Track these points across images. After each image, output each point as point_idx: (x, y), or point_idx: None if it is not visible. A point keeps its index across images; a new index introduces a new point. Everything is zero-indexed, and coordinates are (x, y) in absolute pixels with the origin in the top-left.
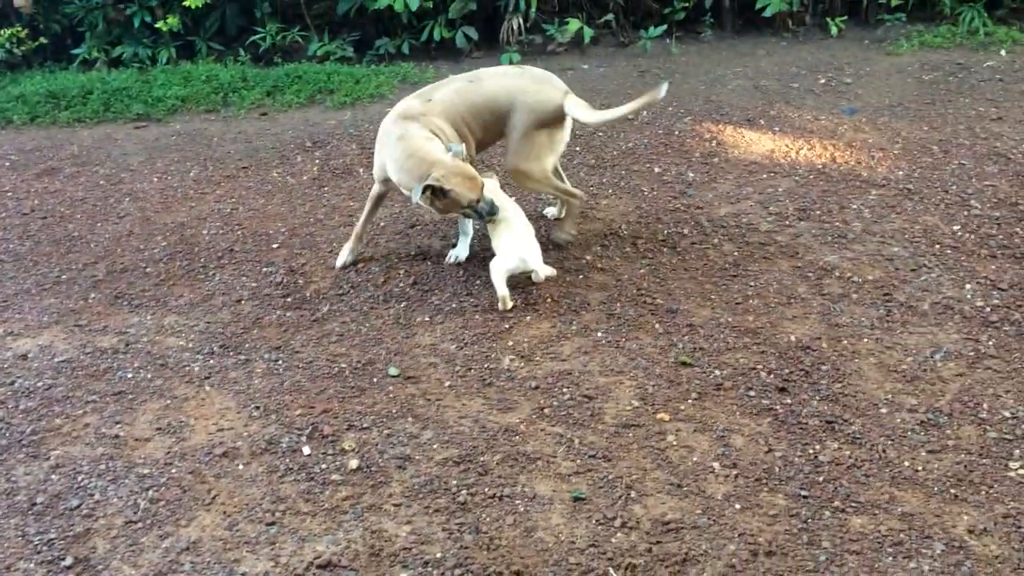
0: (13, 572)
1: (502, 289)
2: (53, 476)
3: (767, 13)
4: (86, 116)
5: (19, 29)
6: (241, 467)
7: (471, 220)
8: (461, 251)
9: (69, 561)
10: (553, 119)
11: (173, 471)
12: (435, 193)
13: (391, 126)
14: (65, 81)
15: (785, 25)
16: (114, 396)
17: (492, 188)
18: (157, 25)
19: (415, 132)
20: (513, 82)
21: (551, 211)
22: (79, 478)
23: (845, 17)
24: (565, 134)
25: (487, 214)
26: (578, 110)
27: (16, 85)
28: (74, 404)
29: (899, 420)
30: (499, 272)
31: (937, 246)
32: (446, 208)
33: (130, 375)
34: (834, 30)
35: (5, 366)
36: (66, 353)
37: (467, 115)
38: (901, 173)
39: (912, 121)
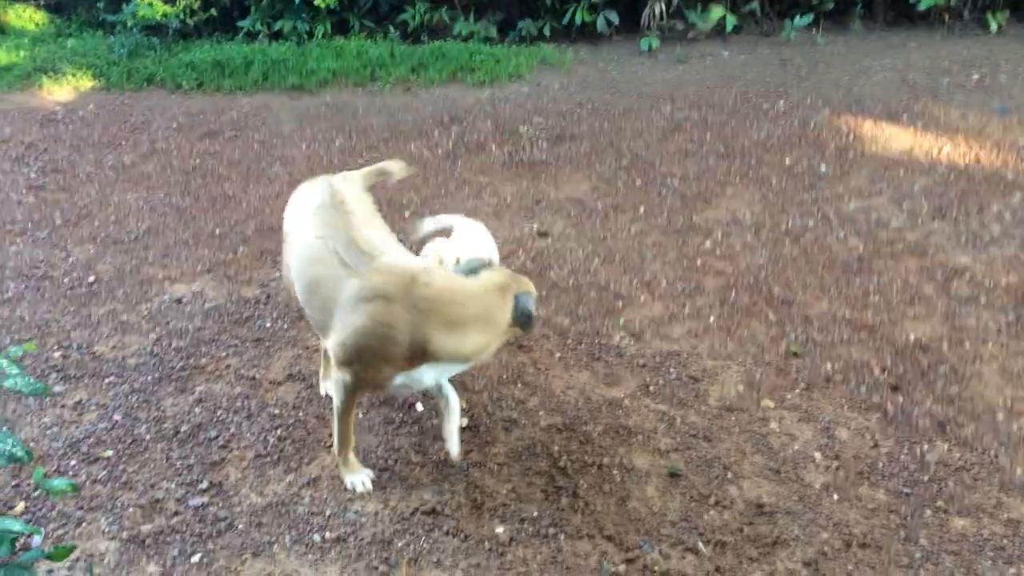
0: (156, 490)
1: None
2: (196, 409)
3: (922, 6)
4: (246, 85)
5: (193, 1)
6: (361, 416)
7: None
8: None
9: (205, 485)
10: None
11: (300, 414)
12: None
13: None
14: (230, 51)
15: (941, 19)
16: (254, 342)
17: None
18: (315, 1)
19: None
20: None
21: None
22: (218, 413)
23: (1007, 12)
24: None
25: None
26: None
27: (187, 53)
28: (219, 346)
29: (1016, 427)
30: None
31: None
32: None
33: (268, 324)
34: (994, 26)
35: (162, 308)
36: (215, 300)
37: None
38: None
39: None
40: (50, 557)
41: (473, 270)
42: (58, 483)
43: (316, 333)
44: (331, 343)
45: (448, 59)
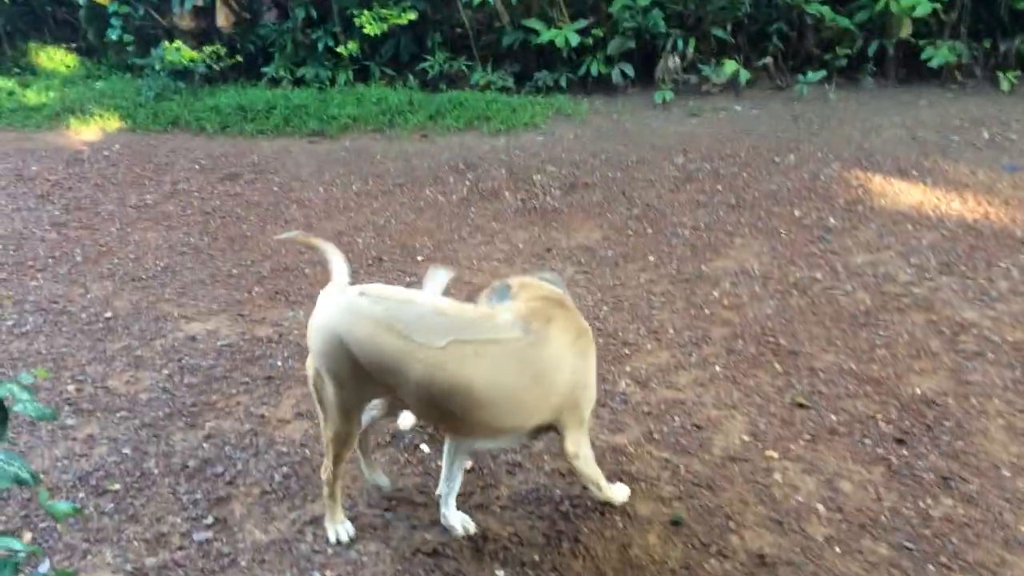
0: (162, 524)
1: None
2: (205, 444)
3: (933, 64)
4: (268, 129)
5: (220, 47)
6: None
7: None
8: None
9: (210, 520)
10: None
11: (307, 452)
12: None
13: None
14: (253, 96)
15: (952, 77)
16: (264, 380)
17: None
18: (338, 49)
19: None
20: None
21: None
22: (226, 449)
23: (1018, 72)
24: None
25: None
26: None
27: (212, 97)
28: (230, 384)
29: (1021, 484)
30: None
31: None
32: None
33: (279, 363)
34: (1005, 85)
35: (176, 344)
36: (228, 338)
37: None
38: None
39: None
40: None
41: (503, 293)
42: (62, 506)
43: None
44: (564, 412)
45: (465, 107)
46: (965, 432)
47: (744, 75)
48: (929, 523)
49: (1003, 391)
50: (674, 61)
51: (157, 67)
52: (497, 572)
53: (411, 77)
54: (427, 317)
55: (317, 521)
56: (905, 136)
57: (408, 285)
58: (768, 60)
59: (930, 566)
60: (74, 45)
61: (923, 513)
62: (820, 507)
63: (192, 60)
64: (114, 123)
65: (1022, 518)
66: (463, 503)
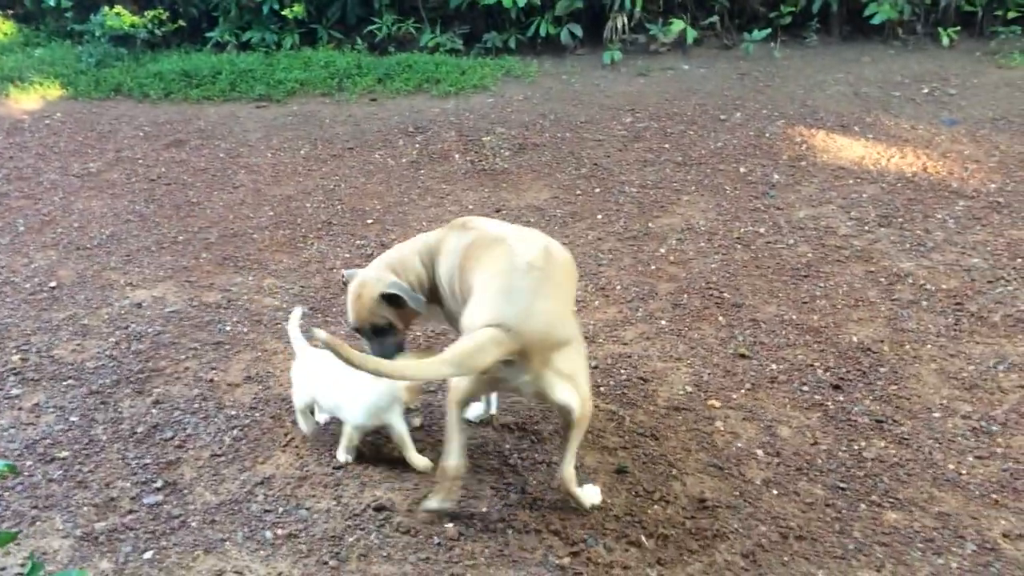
0: (111, 489)
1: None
2: (153, 410)
3: (875, 20)
4: (214, 94)
5: (161, 12)
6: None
7: None
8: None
9: (160, 484)
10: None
11: (257, 414)
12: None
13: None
14: (198, 61)
15: (895, 33)
16: (213, 345)
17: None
18: (284, 12)
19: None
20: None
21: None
22: (175, 414)
23: (958, 28)
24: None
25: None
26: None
27: (155, 63)
28: (178, 350)
29: (950, 425)
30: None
31: (1019, 260)
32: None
33: (228, 328)
34: (945, 40)
35: (123, 312)
36: (176, 304)
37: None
38: (993, 186)
39: (1013, 135)
40: None
41: None
42: None
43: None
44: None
45: (414, 70)
46: (899, 377)
47: (691, 34)
48: (863, 464)
49: (936, 337)
50: (622, 21)
51: (97, 33)
52: (446, 525)
53: (359, 40)
54: None
55: (267, 482)
56: (848, 92)
57: (358, 248)
58: (715, 19)
59: (862, 504)
60: (11, 12)
61: (857, 455)
62: (759, 452)
63: (133, 25)
64: (55, 91)
65: (951, 457)
66: (405, 462)
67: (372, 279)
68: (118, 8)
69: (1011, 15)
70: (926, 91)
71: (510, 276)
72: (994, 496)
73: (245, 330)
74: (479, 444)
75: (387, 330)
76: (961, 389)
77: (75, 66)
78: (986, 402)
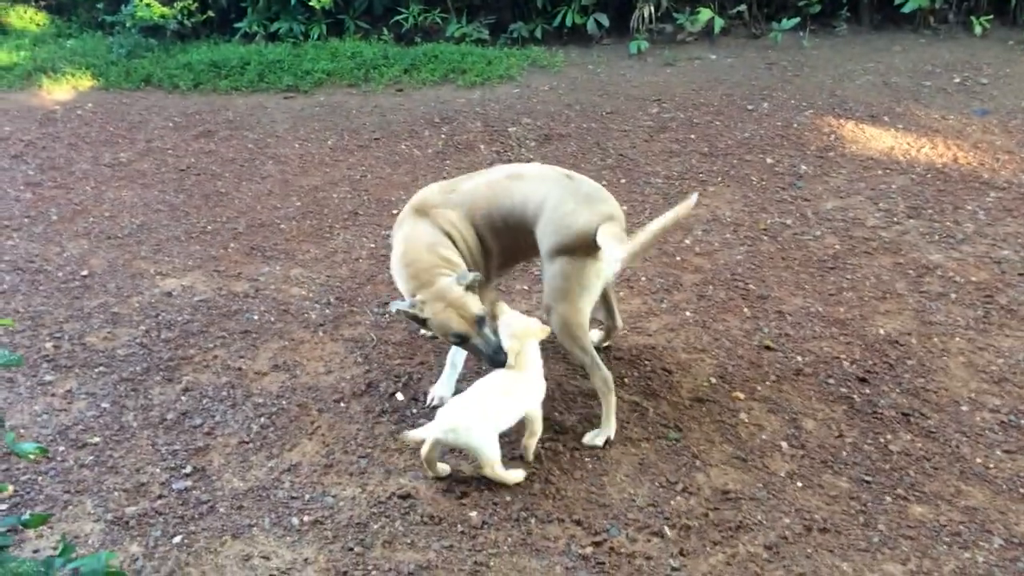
0: (142, 474)
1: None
2: (183, 398)
3: (906, 9)
4: (242, 85)
5: (190, 2)
6: (343, 405)
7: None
8: (440, 388)
9: (189, 470)
10: (581, 248)
11: (284, 403)
12: (414, 317)
13: (403, 216)
14: (227, 52)
15: (926, 22)
16: (241, 334)
17: (509, 324)
18: (311, 3)
19: (420, 233)
20: (547, 190)
21: (596, 335)
22: (204, 401)
23: (991, 16)
24: (600, 269)
25: (487, 354)
26: (609, 242)
27: (184, 54)
28: (207, 338)
29: (979, 419)
30: (421, 433)
31: None
32: (433, 332)
33: (256, 317)
34: (978, 29)
35: (153, 301)
36: (205, 294)
37: (494, 218)
38: None
39: None
40: (26, 524)
41: None
42: (27, 446)
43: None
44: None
45: (440, 60)
46: (926, 370)
47: (719, 23)
48: (888, 457)
49: (964, 330)
50: (649, 10)
51: (128, 24)
52: (470, 514)
53: (385, 30)
54: None
55: (294, 469)
56: (878, 82)
57: (383, 238)
58: (743, 8)
59: (888, 498)
60: (44, 3)
61: (883, 448)
62: (783, 444)
63: (163, 16)
64: (86, 82)
65: (978, 451)
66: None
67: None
68: None
69: None
70: (957, 81)
71: (565, 187)
72: (1022, 491)
73: (272, 319)
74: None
75: (479, 321)
76: (990, 382)
77: (106, 57)
78: (1015, 396)
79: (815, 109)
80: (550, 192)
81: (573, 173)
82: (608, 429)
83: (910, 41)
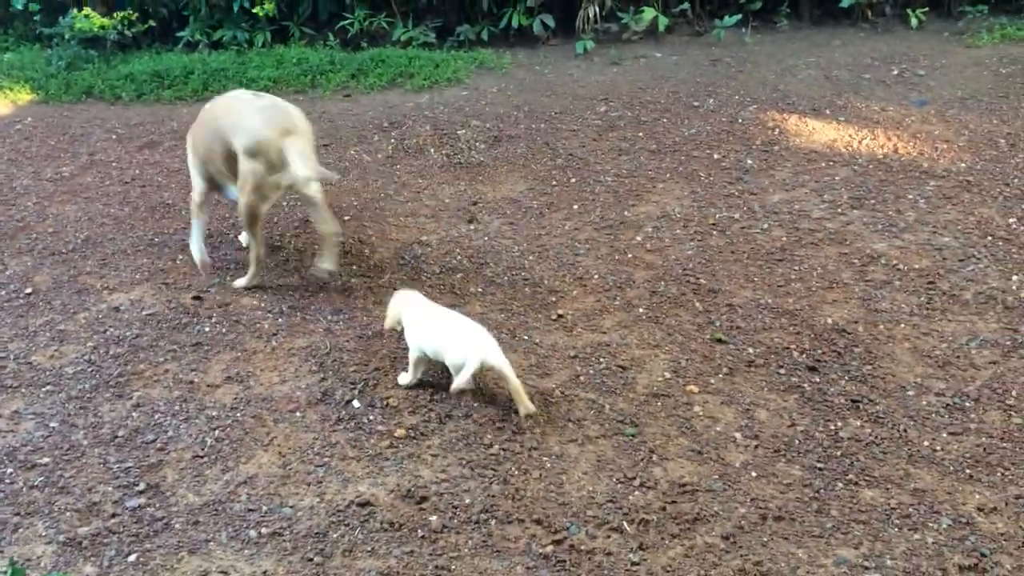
0: (94, 493)
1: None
2: (134, 413)
3: (844, 4)
4: (186, 95)
5: (130, 12)
6: (298, 414)
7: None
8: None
9: (142, 487)
10: (263, 157)
11: (238, 415)
12: None
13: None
14: (169, 62)
15: (864, 16)
16: (192, 347)
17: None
18: (254, 10)
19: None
20: (240, 107)
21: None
22: (156, 416)
23: (926, 9)
24: (278, 182)
25: None
26: (295, 158)
27: (126, 65)
28: (157, 352)
29: (925, 403)
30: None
31: (989, 238)
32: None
33: (207, 329)
34: (914, 21)
35: (100, 316)
36: (154, 307)
37: (208, 140)
38: (963, 165)
39: (982, 114)
40: None
41: None
42: None
43: None
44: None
45: (387, 65)
46: (873, 357)
47: (663, 21)
48: (839, 444)
49: (909, 316)
50: (594, 10)
51: (67, 36)
52: (429, 518)
53: (331, 36)
54: None
55: (250, 481)
56: (819, 76)
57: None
58: (686, 6)
59: (839, 483)
60: None
61: (833, 435)
62: (738, 435)
63: (103, 27)
64: (25, 95)
65: (925, 434)
66: (396, 455)
67: None
68: (87, 10)
69: None
70: (896, 73)
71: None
72: (968, 471)
73: (224, 331)
74: (461, 437)
75: None
76: (935, 367)
77: (45, 70)
78: (959, 379)
79: (759, 104)
80: (242, 109)
81: (262, 94)
82: (252, 279)
83: (849, 35)
